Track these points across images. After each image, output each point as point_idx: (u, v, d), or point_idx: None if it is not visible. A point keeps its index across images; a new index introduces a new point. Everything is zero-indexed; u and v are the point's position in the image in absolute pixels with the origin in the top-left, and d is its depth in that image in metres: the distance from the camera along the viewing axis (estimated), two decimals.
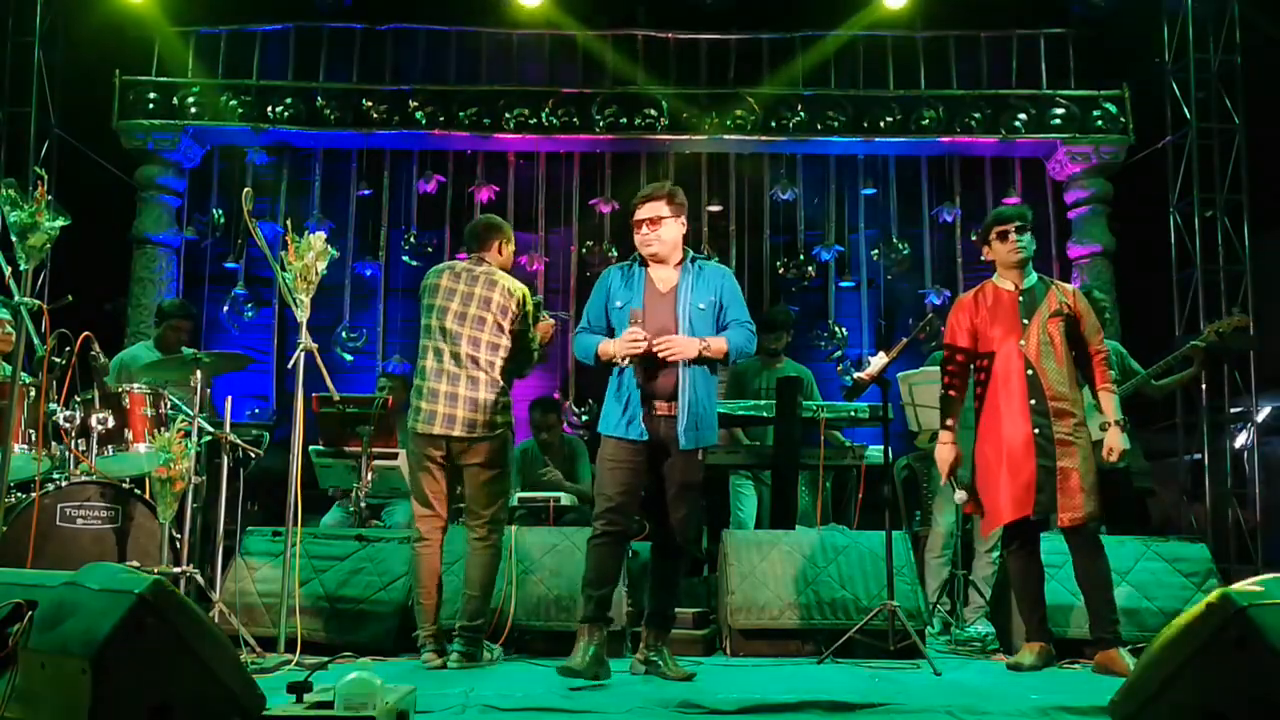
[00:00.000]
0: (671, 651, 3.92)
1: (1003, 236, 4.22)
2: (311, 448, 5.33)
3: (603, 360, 3.85)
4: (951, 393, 4.25)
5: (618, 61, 7.76)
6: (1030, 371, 4.10)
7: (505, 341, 4.14)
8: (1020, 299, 4.20)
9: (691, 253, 4.00)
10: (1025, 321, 4.15)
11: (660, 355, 3.70)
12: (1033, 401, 4.07)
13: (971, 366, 4.27)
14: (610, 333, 3.91)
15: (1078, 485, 4.00)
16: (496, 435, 4.09)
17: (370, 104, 7.54)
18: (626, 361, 3.78)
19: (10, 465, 3.54)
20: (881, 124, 7.53)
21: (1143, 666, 2.55)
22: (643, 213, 3.92)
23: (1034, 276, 4.27)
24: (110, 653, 2.15)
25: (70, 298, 4.16)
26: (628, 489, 3.79)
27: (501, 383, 4.13)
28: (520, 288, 4.20)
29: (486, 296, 4.13)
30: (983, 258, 4.38)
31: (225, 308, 7.67)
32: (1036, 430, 4.05)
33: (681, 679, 3.71)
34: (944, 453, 4.22)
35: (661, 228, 3.89)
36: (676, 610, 4.17)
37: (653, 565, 3.97)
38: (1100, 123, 7.42)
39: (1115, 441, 4.10)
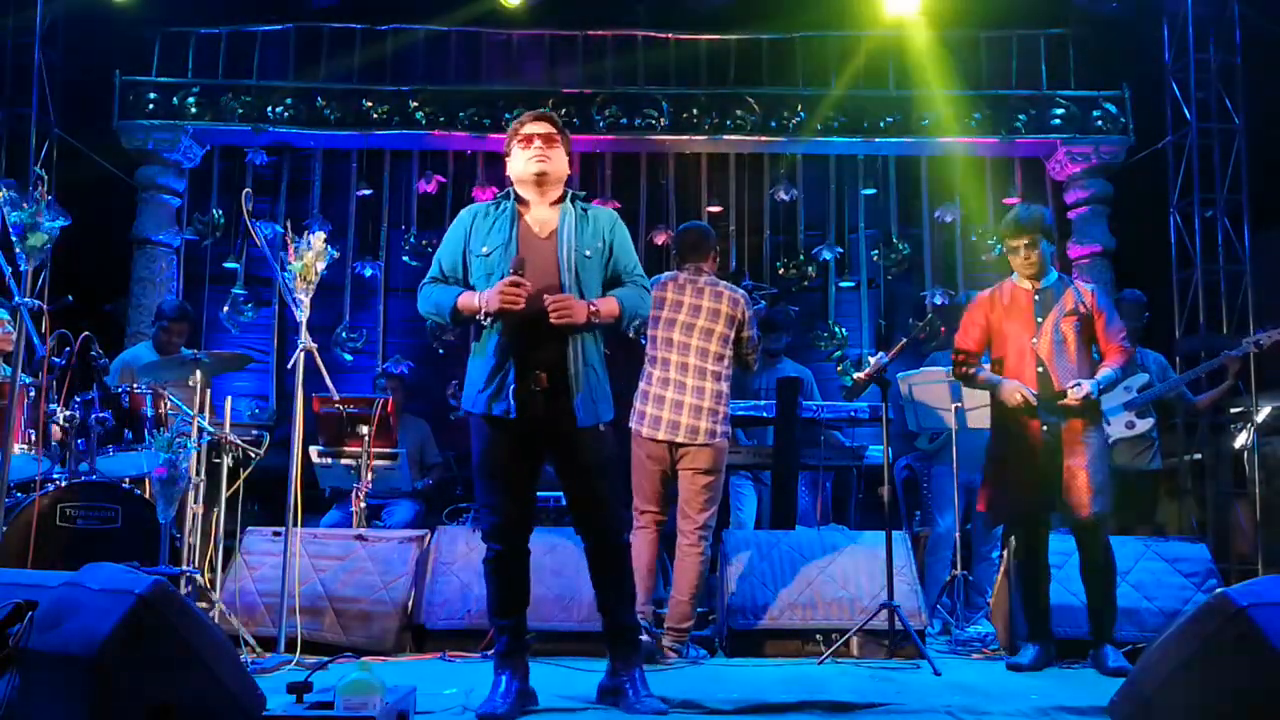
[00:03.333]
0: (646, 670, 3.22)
1: (1013, 252, 4.25)
2: (311, 447, 5.33)
3: (462, 315, 3.12)
4: (966, 371, 4.27)
5: (618, 61, 7.75)
6: (1041, 369, 4.11)
7: (729, 351, 4.21)
8: (1036, 297, 4.21)
9: (572, 191, 3.27)
10: (1039, 320, 4.16)
11: (551, 316, 2.99)
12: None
13: (984, 360, 4.29)
14: (468, 286, 3.18)
15: (1086, 484, 4.01)
16: (716, 443, 4.17)
17: (370, 104, 7.53)
18: (490, 321, 3.06)
19: (10, 465, 3.54)
20: (881, 124, 7.52)
21: (1142, 666, 2.55)
22: (534, 128, 3.19)
23: (1053, 275, 4.28)
24: (110, 653, 2.15)
25: (70, 298, 4.16)
26: (515, 493, 3.11)
27: (725, 391, 4.20)
28: (743, 295, 4.27)
29: (715, 308, 4.20)
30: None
31: (225, 308, 7.66)
32: (1045, 428, 4.05)
33: (650, 714, 3.01)
34: (1007, 390, 4.09)
35: (555, 148, 3.20)
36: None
37: (591, 571, 3.25)
38: (1100, 123, 7.41)
39: (1079, 391, 4.01)
